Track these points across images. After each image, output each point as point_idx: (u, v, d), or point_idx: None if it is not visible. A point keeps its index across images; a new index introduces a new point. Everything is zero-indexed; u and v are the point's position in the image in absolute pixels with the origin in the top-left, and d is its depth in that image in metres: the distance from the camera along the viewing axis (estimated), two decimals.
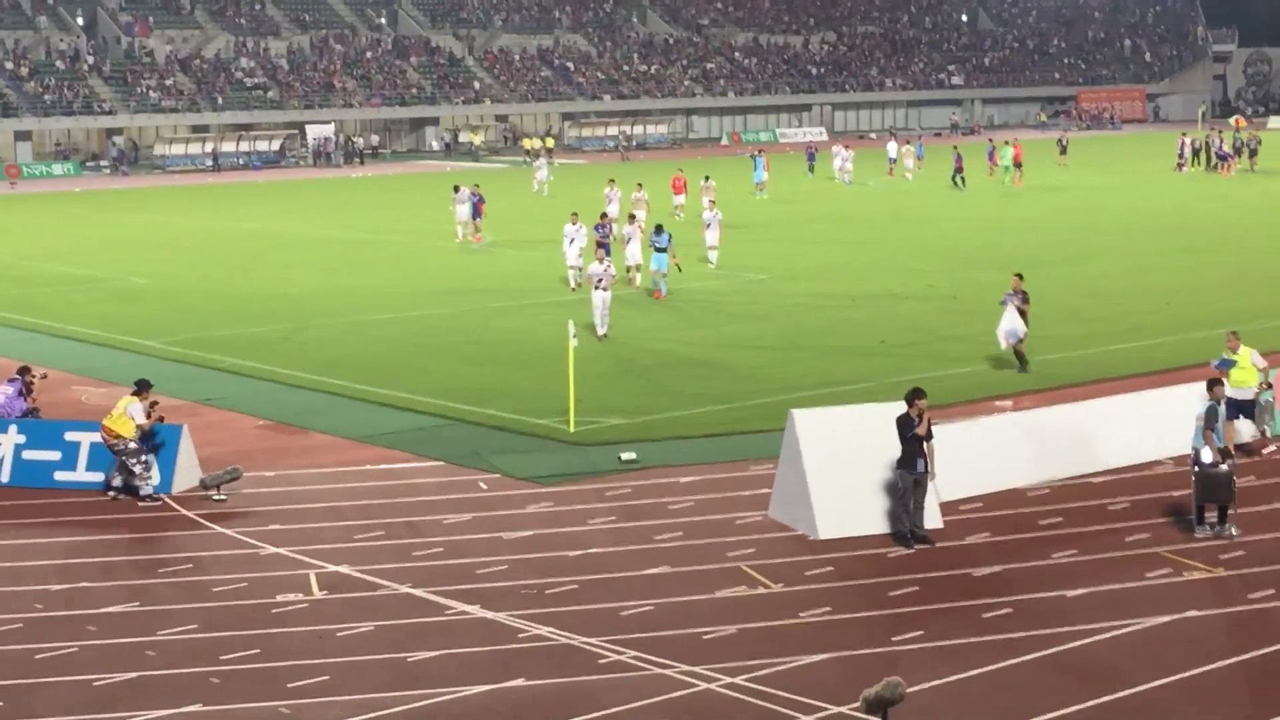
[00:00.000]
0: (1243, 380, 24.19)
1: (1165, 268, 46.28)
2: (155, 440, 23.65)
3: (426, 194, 55.66)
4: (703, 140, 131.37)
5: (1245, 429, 24.40)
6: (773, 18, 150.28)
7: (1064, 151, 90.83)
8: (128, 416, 23.31)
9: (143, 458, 23.38)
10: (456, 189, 58.02)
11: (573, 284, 42.83)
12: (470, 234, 55.95)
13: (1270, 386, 24.70)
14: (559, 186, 77.78)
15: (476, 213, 56.11)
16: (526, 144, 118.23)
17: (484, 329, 37.77)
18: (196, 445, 24.50)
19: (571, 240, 43.07)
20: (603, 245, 39.22)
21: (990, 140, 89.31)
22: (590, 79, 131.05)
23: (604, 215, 46.80)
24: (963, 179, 75.44)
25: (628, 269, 42.57)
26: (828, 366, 32.07)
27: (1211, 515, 20.86)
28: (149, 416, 23.54)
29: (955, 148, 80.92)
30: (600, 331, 35.22)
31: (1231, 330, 25.41)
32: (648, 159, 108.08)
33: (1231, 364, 24.35)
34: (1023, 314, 30.62)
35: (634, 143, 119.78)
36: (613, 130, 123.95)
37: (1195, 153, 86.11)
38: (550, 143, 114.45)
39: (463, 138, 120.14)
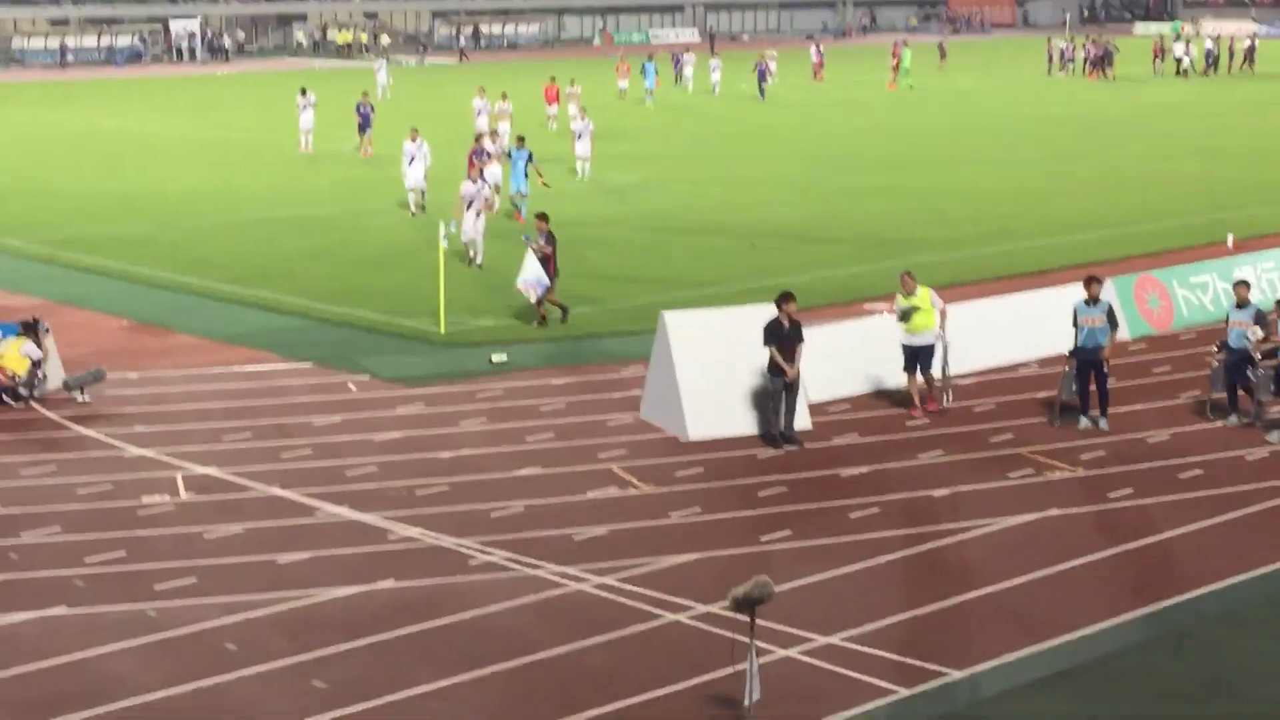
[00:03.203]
0: (925, 324, 21.95)
1: (1033, 172, 46.78)
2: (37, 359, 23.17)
3: (294, 93, 54.59)
4: (574, 40, 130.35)
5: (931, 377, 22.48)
6: None
7: (944, 56, 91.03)
8: (21, 356, 22.87)
9: (37, 375, 23.00)
10: (303, 91, 53.66)
11: (413, 209, 38.82)
12: (361, 148, 51.11)
13: (943, 335, 22.22)
14: (408, 90, 76.46)
15: (367, 124, 51.04)
16: (341, 38, 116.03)
17: (353, 230, 37.37)
18: (59, 346, 24.08)
19: (412, 159, 38.67)
20: (478, 170, 35.36)
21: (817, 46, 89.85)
22: None
23: (479, 137, 40.69)
24: (764, 91, 72.41)
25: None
26: (698, 268, 32.13)
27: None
28: (42, 347, 23.13)
29: (763, 55, 77.39)
30: (476, 259, 32.04)
31: (906, 271, 22.67)
32: (518, 59, 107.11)
33: (912, 310, 21.94)
34: (548, 260, 26.90)
35: (468, 43, 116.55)
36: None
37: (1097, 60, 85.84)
38: (383, 40, 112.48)
39: (338, 37, 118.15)
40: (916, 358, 22.10)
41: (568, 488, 19.24)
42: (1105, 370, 21.42)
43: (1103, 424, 21.40)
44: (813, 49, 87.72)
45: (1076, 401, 21.73)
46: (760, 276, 30.31)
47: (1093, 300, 21.50)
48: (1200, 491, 18.96)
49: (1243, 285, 21.92)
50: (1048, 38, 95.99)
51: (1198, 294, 27.49)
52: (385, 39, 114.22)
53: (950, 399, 22.48)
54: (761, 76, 73.09)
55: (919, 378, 22.25)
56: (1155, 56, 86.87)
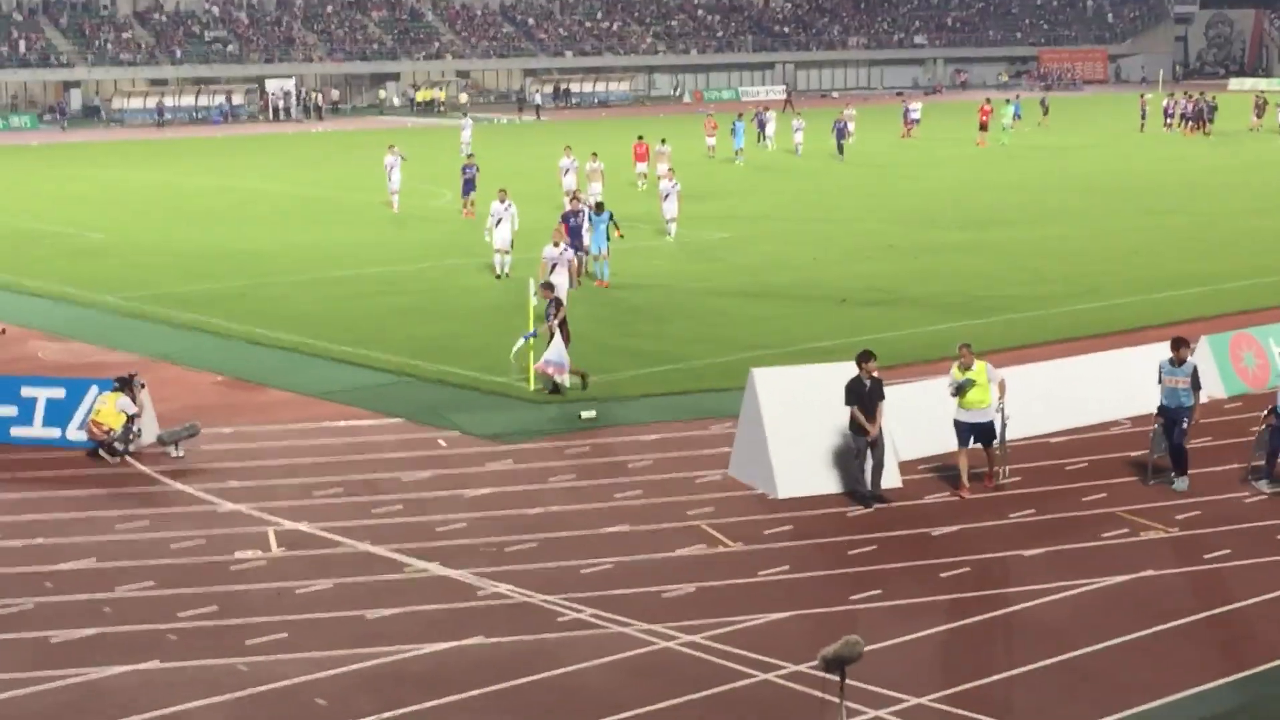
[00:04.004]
0: (981, 400, 21.18)
1: (1125, 229, 46.44)
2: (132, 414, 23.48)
3: (386, 150, 54.95)
4: (664, 98, 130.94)
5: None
6: None
7: (1046, 112, 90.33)
8: (117, 411, 23.21)
9: (132, 430, 23.31)
10: (391, 148, 53.66)
11: (499, 270, 38.18)
12: (464, 209, 50.09)
13: (1002, 408, 21.58)
14: (487, 149, 76.39)
15: (471, 187, 49.96)
16: (421, 96, 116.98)
17: (444, 286, 37.63)
18: (154, 401, 24.38)
19: (499, 220, 38.05)
20: (574, 235, 35.31)
21: (905, 99, 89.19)
22: (552, 35, 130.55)
23: (574, 198, 40.16)
24: (844, 148, 71.45)
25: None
26: (789, 324, 32.09)
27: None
28: (136, 402, 23.47)
29: (841, 113, 76.32)
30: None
31: (964, 343, 21.93)
32: (608, 116, 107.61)
33: (969, 384, 21.13)
34: (563, 327, 26.62)
35: (547, 101, 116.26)
36: (586, 87, 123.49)
37: (1187, 116, 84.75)
38: (462, 98, 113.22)
39: (419, 95, 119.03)
40: (973, 433, 21.27)
41: (656, 545, 19.22)
42: (1184, 427, 21.17)
43: (1178, 484, 21.14)
44: (910, 106, 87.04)
45: (1168, 461, 21.50)
46: (849, 333, 30.21)
47: (1178, 362, 21.28)
48: None
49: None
50: (1140, 94, 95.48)
51: None
52: (464, 97, 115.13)
53: (1007, 474, 21.82)
54: (840, 135, 72.01)
55: (970, 454, 21.32)
56: (1256, 113, 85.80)
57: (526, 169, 62.99)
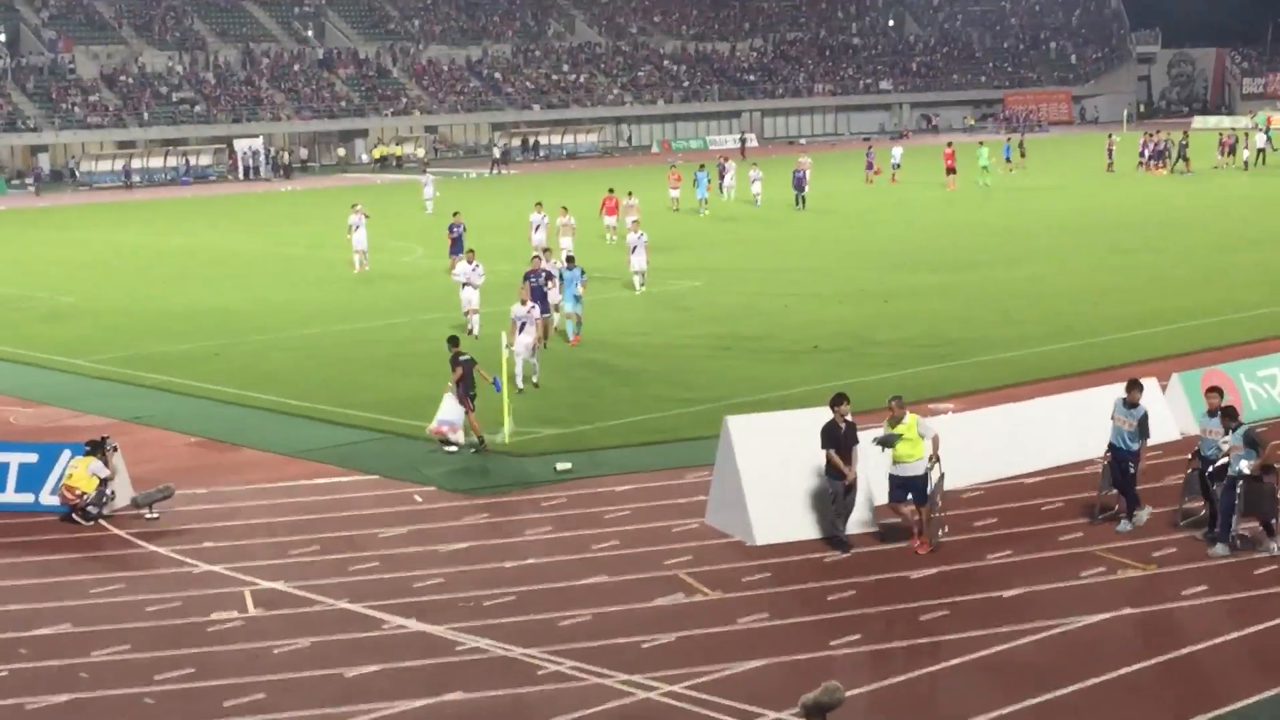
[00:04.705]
0: (909, 454, 20.47)
1: (1095, 268, 46.64)
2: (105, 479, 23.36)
3: (349, 210, 54.71)
4: (633, 149, 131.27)
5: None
6: (701, 25, 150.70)
7: (1023, 155, 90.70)
8: (90, 475, 23.11)
9: (105, 493, 23.20)
10: (354, 207, 52.93)
11: (474, 330, 37.12)
12: (451, 267, 45.83)
13: (938, 460, 20.72)
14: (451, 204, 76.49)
15: (459, 246, 46.50)
16: (378, 152, 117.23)
17: (416, 341, 37.58)
18: (128, 464, 24.27)
19: (465, 281, 37.86)
20: (536, 294, 33.96)
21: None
22: (519, 89, 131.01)
23: (536, 257, 37.92)
24: (803, 199, 70.13)
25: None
26: (761, 372, 32.11)
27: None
28: (109, 465, 23.36)
29: (799, 162, 73.95)
30: (522, 384, 30.64)
31: (895, 396, 21.43)
32: (577, 168, 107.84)
33: (895, 439, 20.54)
34: (461, 383, 26.38)
35: (503, 153, 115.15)
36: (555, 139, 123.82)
37: (1159, 153, 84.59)
38: (419, 153, 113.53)
39: (375, 152, 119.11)
40: (907, 488, 20.56)
41: (635, 595, 19.17)
42: (1131, 472, 21.19)
43: (1124, 525, 21.17)
44: (892, 151, 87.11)
45: (1114, 498, 21.55)
46: (822, 379, 30.26)
47: (1131, 404, 21.31)
48: (1276, 588, 18.69)
49: (1214, 393, 21.42)
50: (1108, 134, 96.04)
51: (1265, 387, 27.25)
52: (421, 152, 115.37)
53: (945, 533, 21.09)
54: (799, 184, 70.54)
55: (907, 509, 20.71)
56: (1224, 150, 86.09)
57: (498, 223, 63.07)
